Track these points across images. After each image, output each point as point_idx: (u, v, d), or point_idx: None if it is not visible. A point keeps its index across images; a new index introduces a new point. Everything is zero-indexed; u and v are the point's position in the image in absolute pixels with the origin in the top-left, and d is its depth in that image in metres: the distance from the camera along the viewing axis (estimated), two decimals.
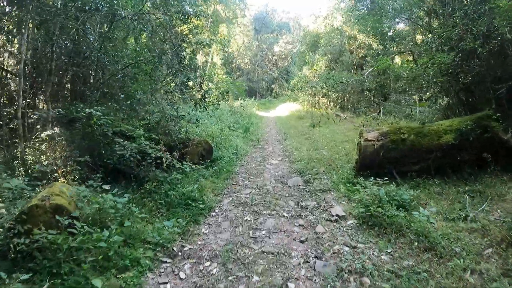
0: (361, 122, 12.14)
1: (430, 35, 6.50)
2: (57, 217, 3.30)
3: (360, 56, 20.05)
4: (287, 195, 4.95)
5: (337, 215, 4.11)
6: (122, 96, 5.10)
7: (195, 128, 6.67)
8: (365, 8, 15.08)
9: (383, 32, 11.42)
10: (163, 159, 4.57)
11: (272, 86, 36.58)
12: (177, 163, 4.74)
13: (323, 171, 6.13)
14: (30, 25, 6.45)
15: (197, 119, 6.13)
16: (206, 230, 3.86)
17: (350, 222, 3.98)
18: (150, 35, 5.56)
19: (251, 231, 3.73)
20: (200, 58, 23.51)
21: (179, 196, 4.35)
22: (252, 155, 7.95)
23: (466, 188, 5.04)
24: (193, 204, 4.29)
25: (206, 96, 6.06)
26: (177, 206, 4.28)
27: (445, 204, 4.57)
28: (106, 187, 4.56)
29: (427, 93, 17.47)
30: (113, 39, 6.89)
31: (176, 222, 3.91)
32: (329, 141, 9.15)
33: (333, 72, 20.03)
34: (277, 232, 3.72)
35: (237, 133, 10.08)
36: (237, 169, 6.58)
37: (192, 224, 3.97)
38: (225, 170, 6.16)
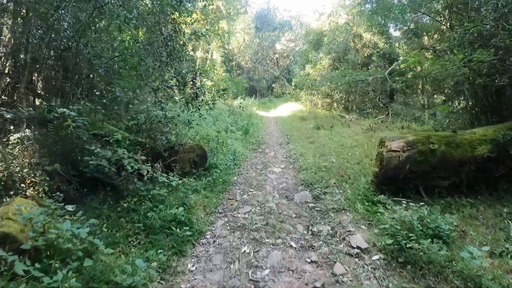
0: (369, 125, 11.31)
1: (455, 31, 5.65)
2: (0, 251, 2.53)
3: (366, 55, 19.25)
4: (294, 215, 4.11)
5: (358, 247, 3.28)
6: (97, 93, 4.26)
7: (187, 131, 5.83)
8: (374, 4, 14.26)
9: (399, 27, 10.46)
10: (144, 171, 3.73)
11: (273, 85, 35.68)
12: (160, 176, 3.89)
13: (334, 183, 5.31)
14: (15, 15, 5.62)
15: (188, 121, 5.30)
16: (193, 266, 3.03)
17: (375, 257, 3.16)
18: (133, 21, 4.69)
19: (250, 271, 2.89)
20: (199, 55, 22.67)
21: (160, 219, 3.51)
22: (252, 161, 7.11)
23: (505, 210, 4.26)
24: (178, 229, 3.44)
25: (199, 94, 5.20)
26: (159, 232, 3.45)
27: (485, 232, 3.78)
28: (70, 207, 3.73)
29: (436, 96, 16.67)
30: (98, 29, 6.05)
31: (156, 255, 3.08)
32: (337, 146, 8.32)
33: (337, 71, 19.23)
34: (283, 272, 2.89)
35: (235, 135, 9.23)
36: (235, 178, 5.74)
37: (175, 257, 3.14)
38: (220, 180, 5.32)
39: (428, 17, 9.21)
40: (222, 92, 5.55)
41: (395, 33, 21.53)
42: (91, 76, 6.45)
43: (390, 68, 8.46)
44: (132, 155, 3.74)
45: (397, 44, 20.56)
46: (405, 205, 3.76)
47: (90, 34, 5.85)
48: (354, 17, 19.40)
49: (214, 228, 3.76)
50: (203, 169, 5.57)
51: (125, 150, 3.93)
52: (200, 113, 5.30)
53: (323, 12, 23.23)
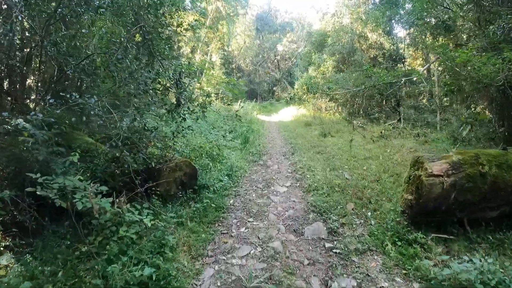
0: (381, 132, 10.33)
1: (498, 24, 4.70)
2: None
3: (372, 56, 18.37)
4: (307, 262, 3.13)
5: None
6: (51, 100, 3.31)
7: (173, 143, 4.85)
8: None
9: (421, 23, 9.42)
10: (100, 209, 2.76)
11: (274, 88, 34.72)
12: (128, 212, 2.93)
13: (353, 209, 4.34)
14: None
15: (173, 133, 4.35)
16: None
17: None
18: (103, 9, 3.75)
19: None
20: (198, 57, 21.73)
21: (124, 278, 2.54)
22: (252, 177, 6.13)
23: None
24: None
25: (184, 100, 4.20)
26: None
27: None
28: (4, 260, 2.83)
29: (444, 99, 15.70)
30: (69, 23, 5.13)
31: None
32: (348, 157, 7.35)
33: (342, 74, 18.32)
34: None
35: (233, 144, 8.27)
36: (231, 202, 4.77)
37: None
38: (213, 206, 4.36)
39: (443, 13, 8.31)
40: (211, 97, 4.55)
41: (400, 34, 20.79)
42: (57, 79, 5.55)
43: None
44: (86, 185, 2.77)
45: (401, 45, 19.75)
46: (460, 259, 2.79)
47: (59, 30, 4.93)
48: (359, 16, 18.51)
49: (199, 283, 2.79)
50: (192, 191, 4.61)
51: (81, 177, 2.98)
52: (183, 127, 4.31)
53: (327, 12, 22.33)
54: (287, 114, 19.72)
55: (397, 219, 3.71)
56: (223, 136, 8.16)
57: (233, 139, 8.83)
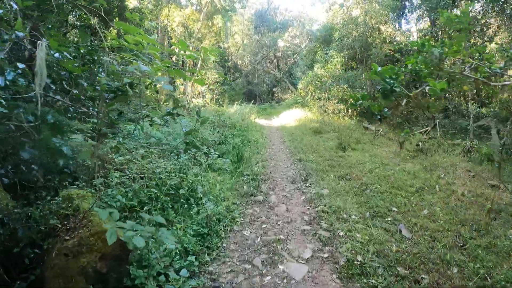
0: (418, 145, 7.89)
1: None
2: None
3: (387, 52, 16.00)
4: None
5: None
6: None
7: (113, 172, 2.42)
8: None
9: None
10: None
11: (274, 89, 32.25)
12: None
13: None
14: None
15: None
16: None
17: None
18: None
19: None
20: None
21: None
22: (244, 233, 3.69)
23: None
24: None
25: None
26: None
27: None
28: None
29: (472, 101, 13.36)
30: None
31: None
32: (390, 188, 4.92)
33: (352, 71, 16.03)
34: None
35: (221, 164, 5.84)
36: None
37: None
38: None
39: None
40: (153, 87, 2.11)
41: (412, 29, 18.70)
42: None
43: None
44: None
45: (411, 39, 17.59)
46: None
47: None
48: (373, 5, 16.11)
49: None
50: None
51: None
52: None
53: (334, 2, 19.97)
54: (290, 117, 17.23)
55: None
56: (206, 154, 5.73)
57: (221, 156, 6.41)
